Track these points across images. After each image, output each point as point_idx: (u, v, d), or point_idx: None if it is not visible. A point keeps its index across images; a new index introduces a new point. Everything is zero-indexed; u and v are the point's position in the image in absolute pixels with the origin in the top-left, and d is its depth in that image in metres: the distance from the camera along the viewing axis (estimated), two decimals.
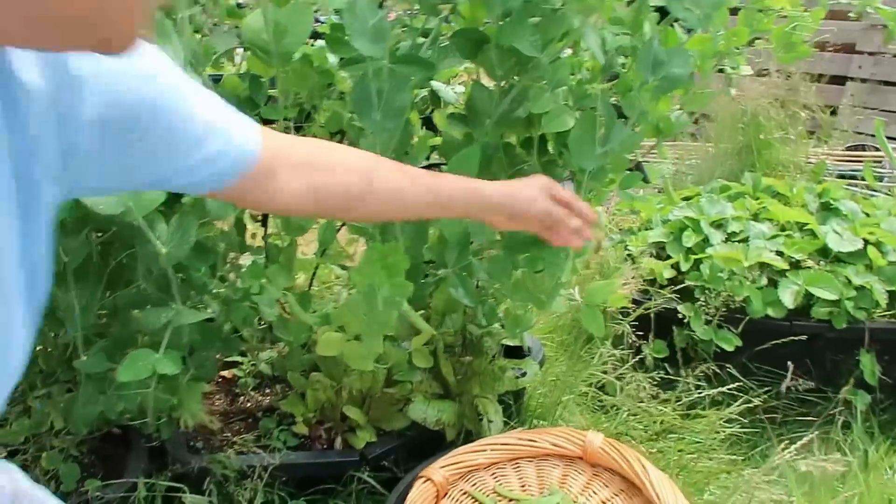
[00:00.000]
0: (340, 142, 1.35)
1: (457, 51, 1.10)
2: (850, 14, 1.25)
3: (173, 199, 0.97)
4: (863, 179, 2.76)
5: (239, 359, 1.67)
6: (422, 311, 1.51)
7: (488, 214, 0.93)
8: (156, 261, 0.96)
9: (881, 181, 2.74)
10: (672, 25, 1.22)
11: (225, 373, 1.74)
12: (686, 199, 2.44)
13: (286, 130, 1.24)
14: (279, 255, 1.40)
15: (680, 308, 1.96)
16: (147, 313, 0.99)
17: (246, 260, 1.37)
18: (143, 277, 1.05)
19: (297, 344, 1.39)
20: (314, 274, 1.57)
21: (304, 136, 1.35)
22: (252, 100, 1.17)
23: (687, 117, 1.38)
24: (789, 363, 1.78)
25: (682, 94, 1.34)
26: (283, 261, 1.38)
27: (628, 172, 1.30)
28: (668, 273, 2.05)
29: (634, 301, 1.98)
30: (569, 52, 1.24)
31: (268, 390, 1.69)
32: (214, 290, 1.15)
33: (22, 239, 0.48)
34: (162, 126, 0.57)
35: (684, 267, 2.02)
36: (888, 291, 1.85)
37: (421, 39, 1.11)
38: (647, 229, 2.31)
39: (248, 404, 1.64)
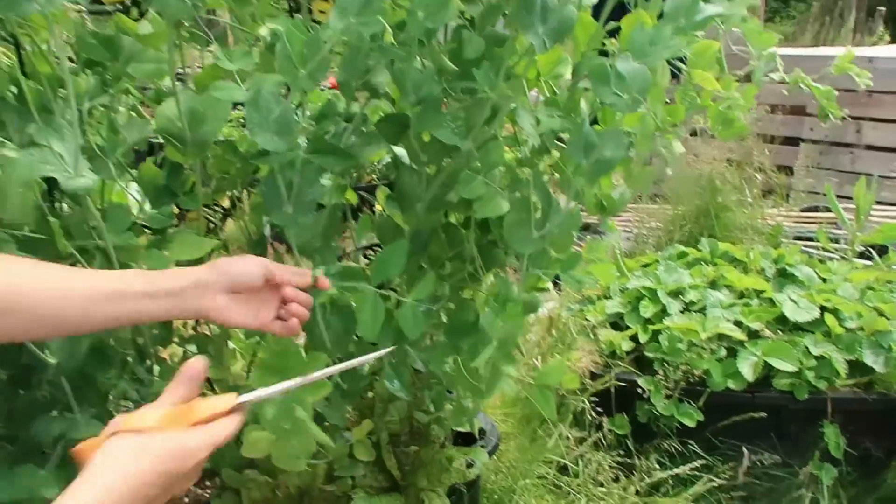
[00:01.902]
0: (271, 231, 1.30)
1: (380, 136, 1.06)
2: (784, 91, 1.24)
3: None
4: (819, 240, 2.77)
5: None
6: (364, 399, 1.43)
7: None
8: (46, 369, 0.88)
9: (836, 242, 2.75)
10: None
11: None
12: (644, 265, 2.41)
13: (208, 221, 1.18)
14: (209, 345, 1.32)
15: (640, 381, 1.90)
16: (38, 423, 0.90)
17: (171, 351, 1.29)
18: (36, 383, 0.96)
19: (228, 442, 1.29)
20: (251, 362, 1.48)
21: (228, 223, 1.30)
22: (170, 189, 1.12)
23: (630, 193, 1.35)
24: (744, 449, 1.73)
25: (624, 171, 1.31)
26: (212, 351, 1.30)
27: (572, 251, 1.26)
28: (627, 345, 1.99)
29: (593, 374, 1.92)
30: (504, 131, 1.21)
31: (207, 483, 1.58)
32: (128, 393, 1.07)
33: None
34: None
35: (643, 338, 1.98)
36: (847, 360, 1.81)
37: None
38: (605, 297, 2.27)
39: (186, 499, 1.53)
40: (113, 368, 0.97)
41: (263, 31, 0.97)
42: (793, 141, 4.28)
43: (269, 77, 0.88)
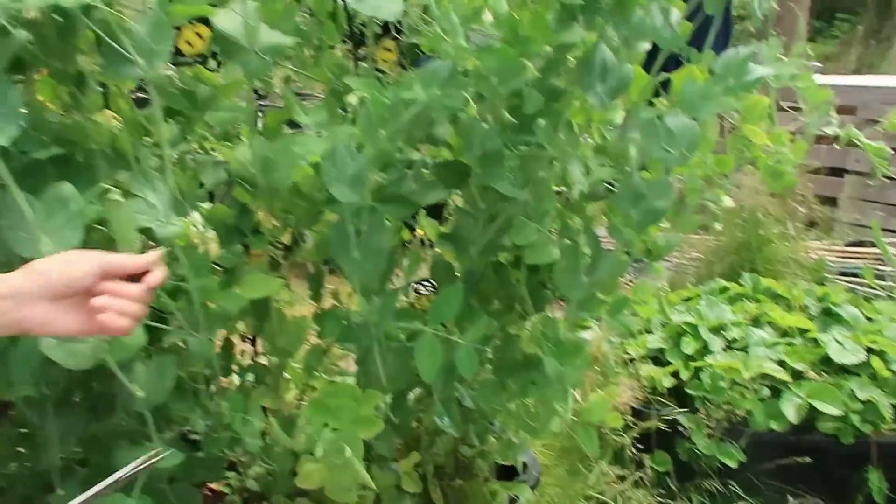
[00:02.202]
0: (330, 270, 1.36)
1: (440, 183, 1.11)
2: (835, 145, 1.26)
3: (152, 339, 0.96)
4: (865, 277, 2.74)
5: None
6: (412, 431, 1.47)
7: None
8: (132, 400, 0.95)
9: (882, 280, 2.71)
10: None
11: (213, 485, 1.68)
12: (685, 299, 2.42)
13: (272, 259, 1.24)
14: (266, 375, 1.38)
15: (681, 419, 1.91)
16: (122, 453, 0.97)
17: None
18: (120, 410, 1.03)
19: (282, 471, 1.35)
20: (304, 391, 1.54)
21: (292, 262, 1.36)
22: (239, 228, 1.18)
23: (677, 238, 1.38)
24: (788, 495, 1.72)
25: (671, 217, 1.34)
26: (269, 382, 1.36)
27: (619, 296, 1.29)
28: (668, 381, 2.00)
29: (634, 410, 1.94)
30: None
31: None
32: (196, 423, 1.13)
33: None
34: None
35: (684, 375, 1.98)
36: (893, 405, 1.80)
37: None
38: (647, 331, 2.28)
39: None
40: (187, 403, 1.03)
41: (352, 99, 1.02)
42: (837, 172, 4.23)
43: (345, 131, 0.94)
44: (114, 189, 0.81)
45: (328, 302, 1.40)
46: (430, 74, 0.85)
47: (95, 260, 0.74)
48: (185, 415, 1.04)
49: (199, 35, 1.18)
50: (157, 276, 0.77)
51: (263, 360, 1.42)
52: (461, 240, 1.20)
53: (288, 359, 1.31)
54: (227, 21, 0.92)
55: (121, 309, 0.74)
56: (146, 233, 0.86)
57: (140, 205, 0.84)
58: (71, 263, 0.74)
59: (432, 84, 0.84)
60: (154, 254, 0.78)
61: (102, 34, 0.80)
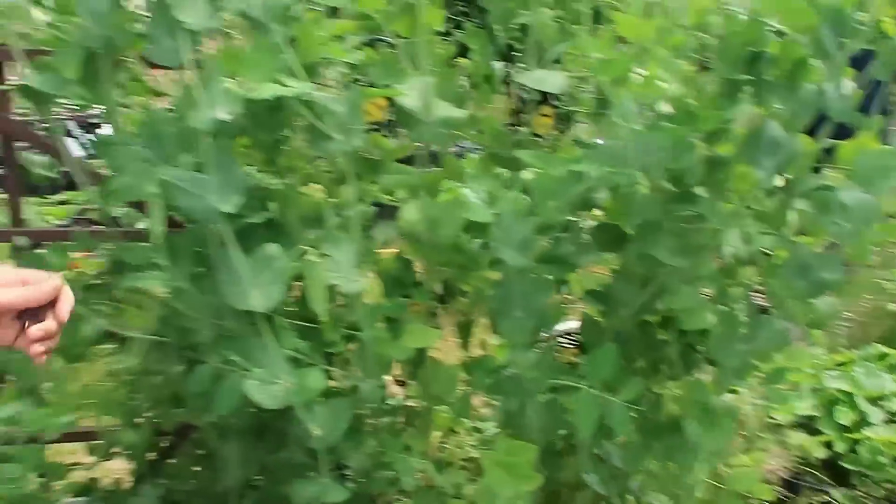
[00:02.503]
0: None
1: (596, 246, 1.14)
2: None
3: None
4: None
5: None
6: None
7: None
8: (307, 437, 1.04)
9: None
10: None
11: None
12: (839, 364, 2.27)
13: (429, 309, 1.32)
14: (416, 418, 1.45)
15: (835, 494, 1.79)
16: (295, 486, 1.06)
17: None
18: (293, 444, 1.13)
19: None
20: (448, 435, 1.60)
21: (447, 311, 1.43)
22: (401, 280, 1.27)
23: (841, 305, 1.33)
24: None
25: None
26: (419, 425, 1.43)
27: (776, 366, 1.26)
28: (821, 452, 1.89)
29: (784, 482, 1.84)
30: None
31: None
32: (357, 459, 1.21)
33: None
34: None
35: (839, 447, 1.87)
36: None
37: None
38: (794, 394, 2.16)
39: None
40: (358, 443, 1.11)
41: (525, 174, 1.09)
42: None
43: (511, 198, 1.00)
44: (310, 249, 0.91)
45: (475, 349, 1.47)
46: (601, 153, 0.90)
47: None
48: (352, 453, 1.12)
49: (375, 104, 1.29)
50: (65, 309, 0.75)
51: (412, 403, 1.50)
52: (612, 300, 1.22)
53: (439, 405, 1.37)
54: (408, 99, 1.02)
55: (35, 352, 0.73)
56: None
57: (330, 263, 0.94)
58: None
59: (604, 162, 0.89)
60: (53, 281, 0.74)
61: (308, 114, 0.91)
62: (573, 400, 1.05)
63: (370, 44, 1.25)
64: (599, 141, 1.08)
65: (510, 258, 0.95)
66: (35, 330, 0.72)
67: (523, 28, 1.46)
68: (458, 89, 1.30)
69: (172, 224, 0.97)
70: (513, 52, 1.47)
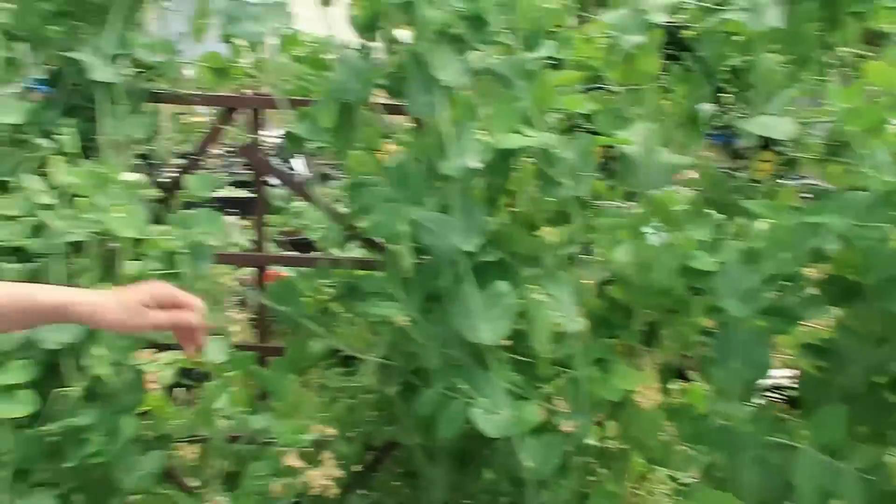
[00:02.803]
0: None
1: (825, 299, 1.09)
2: None
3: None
4: None
5: None
6: None
7: (51, 319, 0.87)
8: (515, 468, 1.08)
9: None
10: None
11: None
12: None
13: (633, 351, 1.32)
14: (612, 460, 1.45)
15: None
16: None
17: None
18: (501, 473, 1.18)
19: None
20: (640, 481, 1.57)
21: (651, 353, 1.43)
22: (608, 320, 1.29)
23: None
24: None
25: None
26: (615, 468, 1.42)
27: None
28: None
29: None
30: None
31: None
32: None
33: None
34: None
35: None
36: None
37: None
38: None
39: None
40: (568, 480, 1.14)
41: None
42: None
43: (735, 248, 0.99)
44: (535, 287, 0.97)
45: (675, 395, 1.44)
46: (845, 204, 0.87)
47: (141, 322, 0.88)
48: (558, 489, 1.14)
49: None
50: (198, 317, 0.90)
51: (609, 444, 1.49)
52: (838, 356, 1.15)
53: (639, 449, 1.36)
54: (631, 147, 1.05)
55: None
56: None
57: (552, 302, 0.99)
58: (120, 320, 0.87)
59: (848, 214, 0.86)
60: (197, 301, 0.91)
61: (541, 161, 0.97)
62: (796, 461, 1.00)
63: (586, 92, 1.30)
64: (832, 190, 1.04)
65: (734, 308, 0.94)
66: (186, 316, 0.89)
67: (734, 71, 1.44)
68: (671, 134, 1.31)
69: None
70: (719, 94, 1.46)
